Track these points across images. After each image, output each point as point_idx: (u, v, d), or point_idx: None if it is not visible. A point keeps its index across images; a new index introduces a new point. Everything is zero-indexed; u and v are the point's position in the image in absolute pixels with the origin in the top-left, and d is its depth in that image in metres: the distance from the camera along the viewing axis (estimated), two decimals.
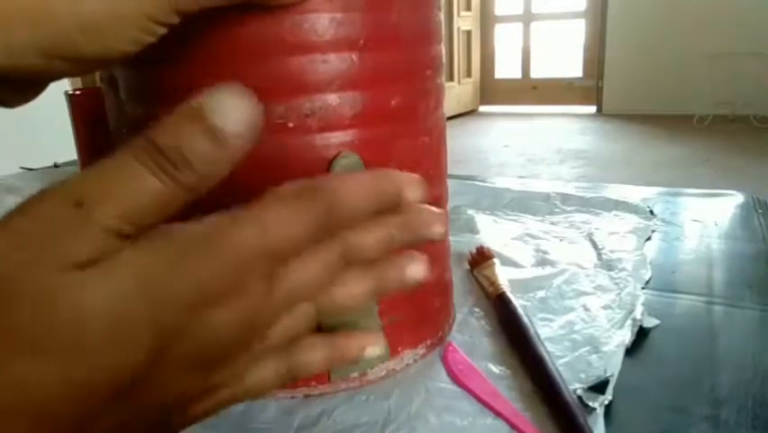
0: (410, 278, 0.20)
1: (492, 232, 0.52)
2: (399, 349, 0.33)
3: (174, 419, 0.18)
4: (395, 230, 0.19)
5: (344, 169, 0.27)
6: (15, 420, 0.14)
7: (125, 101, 0.30)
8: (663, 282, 0.42)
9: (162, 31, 0.22)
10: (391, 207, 0.19)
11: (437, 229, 0.19)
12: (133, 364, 0.15)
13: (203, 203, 0.16)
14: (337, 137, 0.27)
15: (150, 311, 0.15)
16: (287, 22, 0.25)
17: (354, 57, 0.27)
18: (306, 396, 0.31)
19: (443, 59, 0.35)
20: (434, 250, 0.34)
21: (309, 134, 0.27)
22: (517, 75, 5.13)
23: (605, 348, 0.33)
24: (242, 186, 0.26)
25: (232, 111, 0.15)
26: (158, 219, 0.16)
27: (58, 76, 0.22)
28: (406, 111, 0.29)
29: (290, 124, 0.27)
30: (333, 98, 0.27)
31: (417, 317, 0.33)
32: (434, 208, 0.20)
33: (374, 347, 0.21)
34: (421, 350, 0.34)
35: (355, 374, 0.31)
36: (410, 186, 0.19)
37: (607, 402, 0.29)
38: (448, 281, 0.37)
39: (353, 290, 0.19)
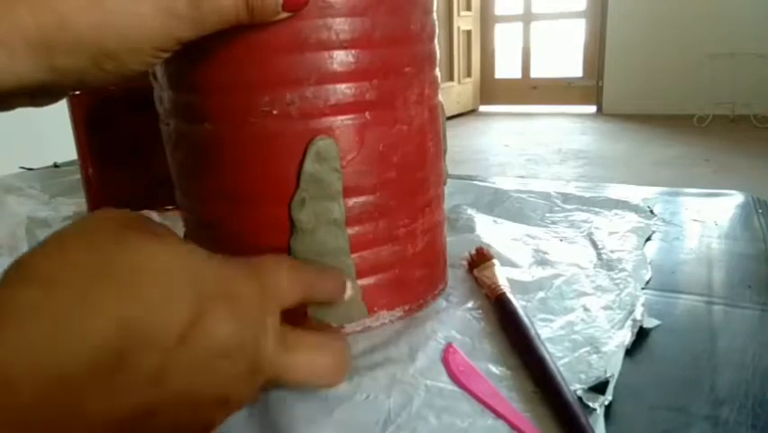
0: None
1: (492, 232, 0.51)
2: (375, 309, 0.36)
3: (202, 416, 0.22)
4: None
5: (320, 149, 0.32)
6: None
7: (162, 89, 0.35)
8: (663, 282, 0.42)
9: (167, 55, 0.28)
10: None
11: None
12: (177, 326, 0.19)
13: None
14: (315, 123, 0.32)
15: (193, 287, 0.20)
16: (271, 29, 0.29)
17: (329, 56, 0.31)
18: None
19: (437, 56, 0.36)
20: (415, 228, 0.37)
21: (290, 120, 0.31)
22: (517, 75, 5.13)
23: (605, 349, 0.33)
24: (237, 160, 0.33)
25: None
26: None
27: (87, 87, 0.28)
28: (380, 102, 0.33)
29: (275, 112, 0.31)
30: (310, 91, 0.31)
31: (396, 284, 0.36)
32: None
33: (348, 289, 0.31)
34: (398, 313, 0.37)
35: (333, 325, 0.35)
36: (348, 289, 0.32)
37: (607, 403, 0.29)
38: (433, 257, 0.39)
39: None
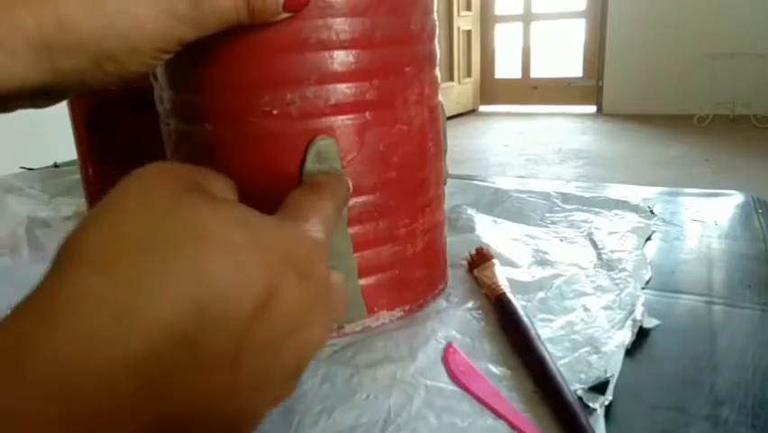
0: None
1: (492, 232, 0.51)
2: (375, 309, 0.36)
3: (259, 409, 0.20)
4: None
5: (320, 149, 0.32)
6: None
7: (162, 89, 0.35)
8: (663, 282, 0.43)
9: (168, 56, 0.28)
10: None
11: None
12: (251, 301, 0.18)
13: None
14: (315, 123, 0.32)
15: (262, 255, 0.18)
16: (271, 29, 0.29)
17: (329, 56, 0.31)
18: None
19: (437, 56, 0.36)
20: (415, 228, 0.36)
21: (291, 120, 0.31)
22: (517, 75, 5.13)
23: (605, 349, 0.33)
24: (237, 160, 0.33)
25: None
26: None
27: (87, 89, 0.28)
28: (380, 102, 0.33)
29: (275, 112, 0.31)
30: (310, 90, 0.31)
31: (396, 284, 0.36)
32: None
33: None
34: (398, 313, 0.37)
35: (333, 326, 0.34)
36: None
37: (607, 403, 0.29)
38: (433, 257, 0.39)
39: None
